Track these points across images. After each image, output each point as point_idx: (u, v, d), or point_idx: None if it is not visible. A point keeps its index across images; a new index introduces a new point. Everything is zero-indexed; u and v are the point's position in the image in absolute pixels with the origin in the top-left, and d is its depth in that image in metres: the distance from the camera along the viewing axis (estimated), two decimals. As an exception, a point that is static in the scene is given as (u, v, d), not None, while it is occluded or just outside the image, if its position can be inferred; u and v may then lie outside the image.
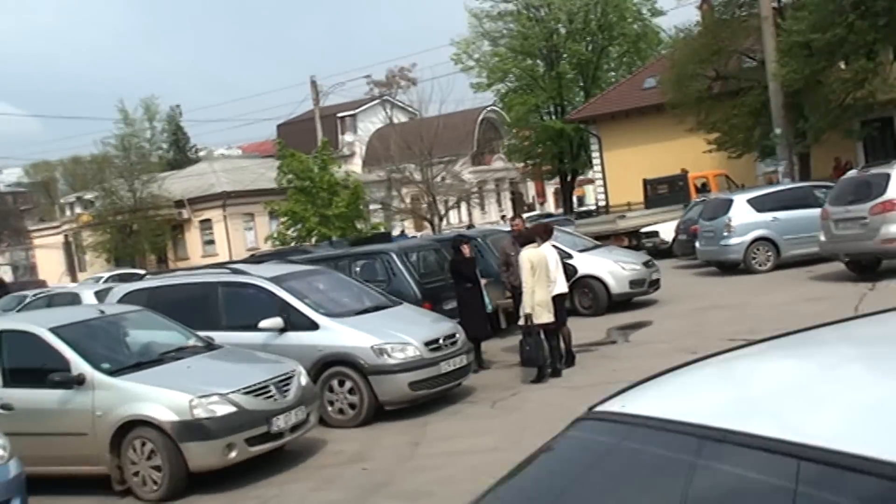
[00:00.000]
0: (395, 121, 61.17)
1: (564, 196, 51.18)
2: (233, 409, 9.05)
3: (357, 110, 68.66)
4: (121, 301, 12.75)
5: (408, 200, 49.09)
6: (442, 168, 49.00)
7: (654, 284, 18.19)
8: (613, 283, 17.44)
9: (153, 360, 9.82)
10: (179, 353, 10.14)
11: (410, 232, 45.77)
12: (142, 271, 40.76)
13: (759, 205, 20.88)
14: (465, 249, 13.63)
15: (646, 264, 18.11)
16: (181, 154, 72.33)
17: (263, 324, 11.45)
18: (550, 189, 74.73)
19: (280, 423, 9.39)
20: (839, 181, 18.64)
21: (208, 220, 53.34)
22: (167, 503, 8.91)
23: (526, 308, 12.17)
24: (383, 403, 11.16)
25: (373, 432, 10.83)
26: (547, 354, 12.46)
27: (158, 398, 9.02)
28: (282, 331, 11.47)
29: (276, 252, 29.47)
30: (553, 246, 13.96)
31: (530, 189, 72.61)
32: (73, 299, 18.75)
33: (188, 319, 11.79)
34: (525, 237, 12.69)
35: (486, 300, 13.84)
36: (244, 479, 9.23)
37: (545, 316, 12.25)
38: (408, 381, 11.03)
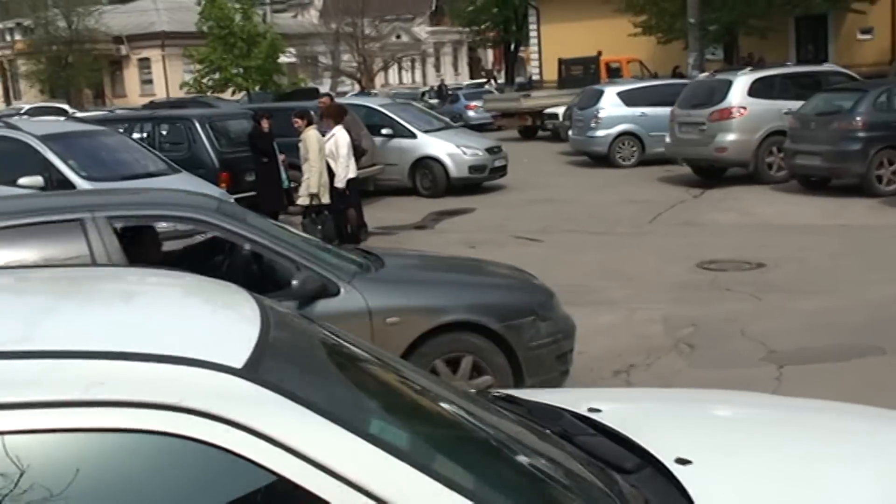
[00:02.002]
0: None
1: (506, 66, 50.45)
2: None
3: (317, -43, 66.79)
4: None
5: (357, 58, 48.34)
6: (391, 26, 48.18)
7: (499, 171, 18.11)
8: (452, 167, 17.35)
9: None
10: None
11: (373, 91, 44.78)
12: (65, 106, 40.33)
13: (628, 99, 20.66)
14: (264, 124, 13.50)
15: (490, 150, 17.99)
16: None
17: (22, 181, 11.29)
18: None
19: None
20: (689, 84, 18.44)
21: (147, 59, 52.53)
22: None
23: (312, 188, 12.13)
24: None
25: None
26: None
27: None
28: (43, 189, 11.40)
29: (174, 102, 29.12)
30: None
31: (490, 56, 71.50)
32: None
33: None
34: (310, 117, 12.51)
35: (284, 175, 13.78)
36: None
37: (326, 196, 12.29)
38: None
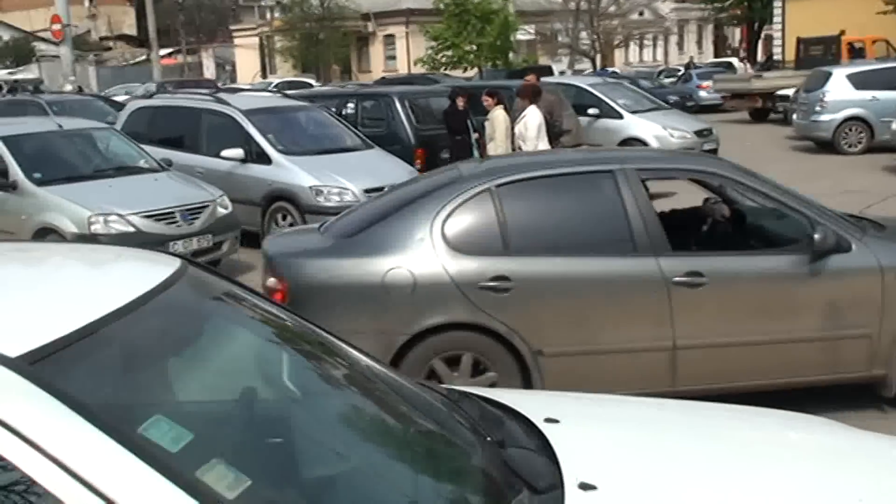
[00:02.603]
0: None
1: (749, 44, 48.45)
2: (130, 229, 9.81)
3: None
4: (130, 116, 13.80)
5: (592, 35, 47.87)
6: (632, 2, 47.30)
7: (708, 155, 17.56)
8: (658, 149, 16.99)
9: (84, 175, 10.71)
10: (117, 172, 10.99)
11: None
12: (312, 81, 42.35)
13: (859, 82, 19.40)
14: (460, 102, 13.68)
15: (699, 133, 17.43)
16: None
17: (225, 153, 12.13)
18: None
19: (178, 247, 10.13)
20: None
21: (392, 36, 54.14)
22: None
23: None
24: (318, 241, 11.71)
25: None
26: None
27: (65, 210, 9.93)
28: (243, 161, 12.15)
29: (403, 79, 29.95)
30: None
31: (736, 34, 68.80)
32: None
33: (179, 142, 12.89)
34: (500, 97, 12.59)
35: (476, 153, 13.93)
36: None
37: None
38: (340, 223, 11.49)
